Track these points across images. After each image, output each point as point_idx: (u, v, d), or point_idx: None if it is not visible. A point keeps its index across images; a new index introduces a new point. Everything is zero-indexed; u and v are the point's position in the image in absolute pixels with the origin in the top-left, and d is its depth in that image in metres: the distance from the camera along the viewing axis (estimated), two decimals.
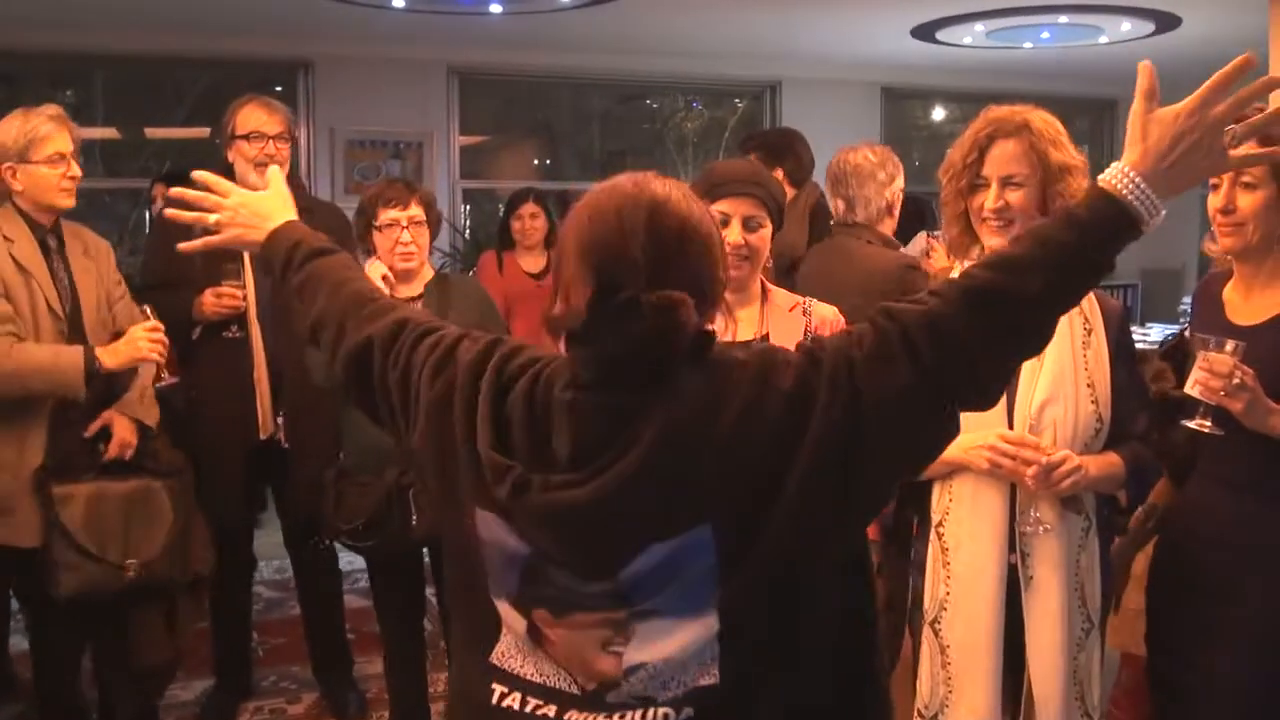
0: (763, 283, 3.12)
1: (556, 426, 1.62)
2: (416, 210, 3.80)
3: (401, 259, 3.79)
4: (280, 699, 4.73)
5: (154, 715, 4.16)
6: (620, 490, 1.56)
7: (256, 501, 4.31)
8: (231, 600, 4.44)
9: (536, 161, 10.27)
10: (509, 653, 1.71)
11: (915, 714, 2.84)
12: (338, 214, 4.48)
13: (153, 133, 8.82)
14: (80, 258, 3.73)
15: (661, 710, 1.62)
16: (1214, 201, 2.71)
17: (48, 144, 3.57)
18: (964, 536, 2.75)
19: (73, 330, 3.62)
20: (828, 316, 3.03)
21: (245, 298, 4.13)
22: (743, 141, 5.76)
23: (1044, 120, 2.72)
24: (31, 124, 3.58)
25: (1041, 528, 2.69)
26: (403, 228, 3.78)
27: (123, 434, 3.66)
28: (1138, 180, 1.63)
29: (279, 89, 8.37)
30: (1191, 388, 2.62)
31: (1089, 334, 2.74)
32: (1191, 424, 2.65)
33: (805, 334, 2.99)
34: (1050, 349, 2.66)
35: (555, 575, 1.63)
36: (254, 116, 4.20)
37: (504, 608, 1.69)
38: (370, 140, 8.21)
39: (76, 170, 3.64)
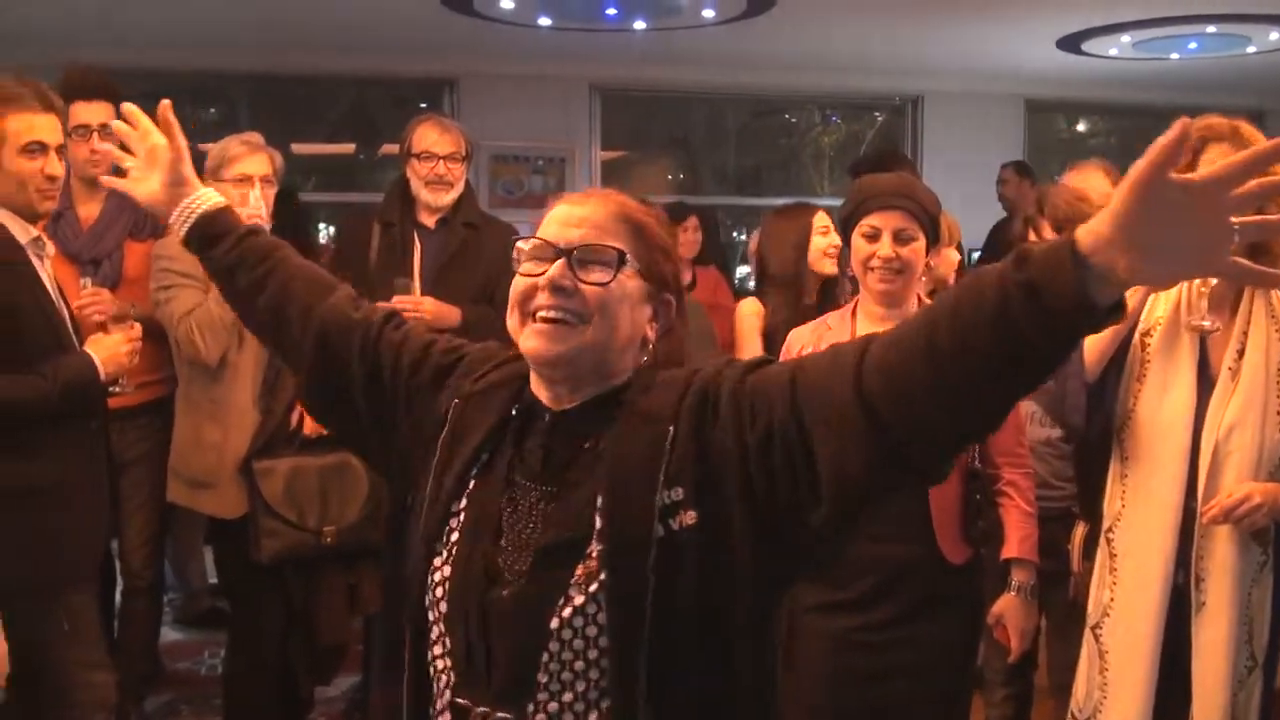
0: (919, 298, 3.12)
1: None
2: None
3: None
4: None
5: (308, 708, 4.33)
6: None
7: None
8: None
9: (671, 176, 10.32)
10: None
11: (1069, 715, 2.83)
12: (510, 232, 4.57)
13: (298, 149, 9.05)
14: None
15: None
16: None
17: (235, 164, 3.86)
18: (1133, 545, 2.73)
19: None
20: None
21: (427, 310, 4.27)
22: (852, 167, 5.77)
23: (1250, 129, 2.74)
24: (227, 146, 3.90)
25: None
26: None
27: None
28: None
29: (424, 105, 8.53)
30: None
31: None
32: None
33: None
34: (1245, 372, 2.64)
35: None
36: (427, 136, 4.36)
37: None
38: (513, 155, 8.33)
39: (252, 192, 3.85)
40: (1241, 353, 2.69)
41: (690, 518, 1.58)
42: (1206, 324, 2.67)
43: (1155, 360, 2.77)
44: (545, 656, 1.60)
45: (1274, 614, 2.72)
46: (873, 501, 1.57)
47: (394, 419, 1.88)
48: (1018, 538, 2.97)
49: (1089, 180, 4.35)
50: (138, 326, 3.45)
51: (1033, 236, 3.44)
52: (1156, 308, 2.81)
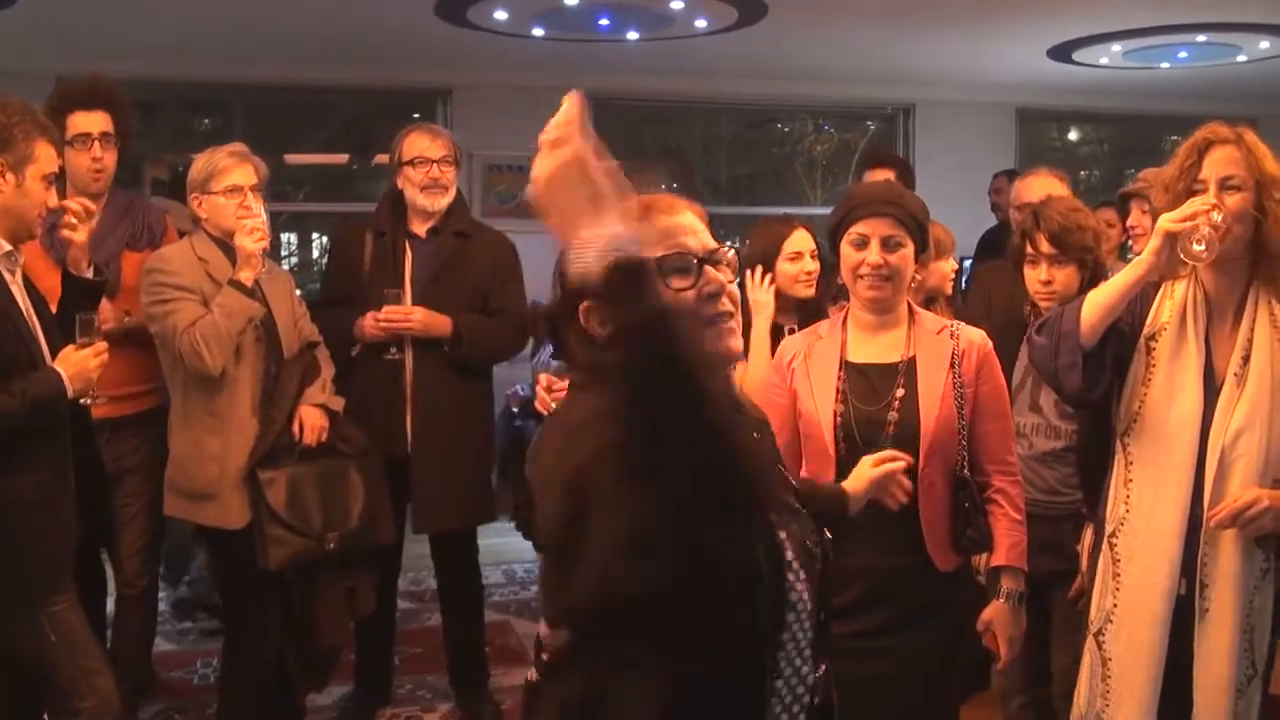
0: (909, 305, 3.12)
1: None
2: None
3: None
4: (415, 707, 4.85)
5: (301, 715, 4.35)
6: None
7: (402, 514, 4.46)
8: (381, 608, 4.58)
9: (664, 186, 10.33)
10: None
11: None
12: (501, 240, 4.61)
13: (292, 159, 9.07)
14: (266, 279, 3.99)
15: None
16: None
17: (225, 176, 3.90)
18: (1138, 549, 2.74)
19: (269, 338, 3.96)
20: (975, 340, 3.03)
21: (416, 320, 4.33)
22: (865, 157, 5.72)
23: (1254, 136, 2.76)
24: (214, 158, 3.93)
25: None
26: None
27: (312, 421, 4.01)
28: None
29: (417, 116, 8.55)
30: None
31: None
32: None
33: (953, 357, 3.00)
34: (1251, 377, 2.66)
35: None
36: (418, 143, 4.41)
37: None
38: (507, 165, 8.34)
39: (251, 202, 3.90)
40: (1247, 358, 2.71)
41: None
42: (1200, 248, 2.65)
43: (1161, 364, 2.78)
44: None
45: (1274, 621, 2.73)
46: None
47: None
48: (1006, 545, 2.97)
49: (1044, 186, 4.40)
50: (104, 343, 3.43)
51: (1029, 250, 3.47)
52: (1162, 312, 2.82)
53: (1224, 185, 2.69)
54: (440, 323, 4.34)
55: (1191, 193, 2.71)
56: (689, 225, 1.78)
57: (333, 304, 4.55)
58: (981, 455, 3.03)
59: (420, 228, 4.47)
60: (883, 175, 5.11)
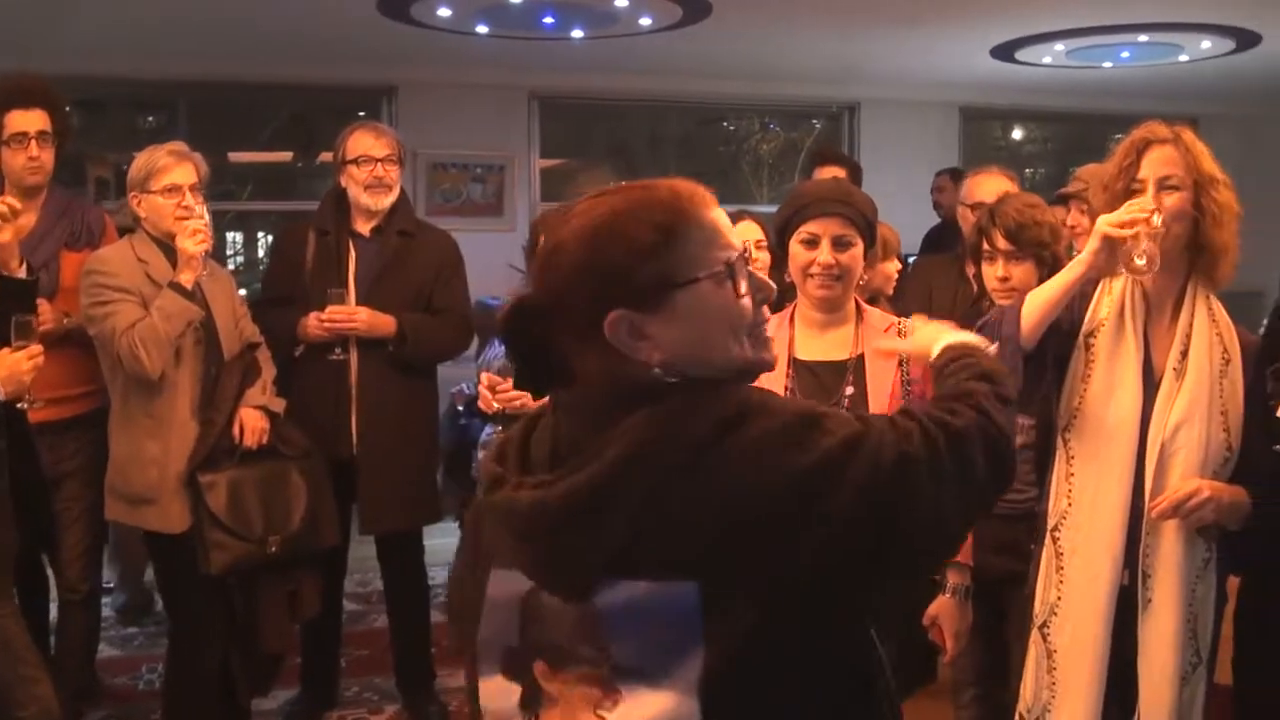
0: (857, 302, 3.13)
1: (540, 429, 1.62)
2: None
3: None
4: (362, 709, 4.83)
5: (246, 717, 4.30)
6: (580, 500, 1.47)
7: (347, 515, 4.43)
8: (327, 610, 4.55)
9: (612, 184, 10.30)
10: None
11: (1017, 716, 2.86)
12: (445, 238, 4.60)
13: (235, 157, 8.99)
14: (206, 279, 3.95)
15: None
16: None
17: (164, 175, 3.86)
18: (1080, 542, 2.76)
19: (209, 340, 3.93)
20: None
21: (360, 320, 4.31)
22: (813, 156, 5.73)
23: (1191, 135, 2.78)
24: (153, 157, 3.89)
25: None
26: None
27: (253, 423, 3.97)
28: None
29: (361, 114, 8.50)
30: None
31: (1226, 363, 2.74)
32: None
33: (901, 354, 3.01)
34: (1190, 372, 2.68)
35: (548, 610, 1.54)
36: (362, 141, 4.39)
37: (493, 685, 1.62)
38: (452, 164, 8.30)
39: (190, 201, 3.86)
40: (1185, 353, 2.73)
41: None
42: (1141, 263, 2.67)
43: (1100, 361, 2.80)
44: None
45: (1217, 611, 2.76)
46: None
47: None
48: None
49: (994, 184, 4.44)
50: (38, 345, 3.38)
51: (986, 246, 3.47)
52: (1100, 308, 2.84)
53: (1162, 185, 2.71)
54: (384, 322, 4.32)
55: (1130, 192, 2.73)
56: (728, 223, 1.62)
57: (274, 304, 4.52)
58: None
59: (364, 226, 4.45)
60: (831, 173, 5.13)
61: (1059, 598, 2.79)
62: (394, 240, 4.43)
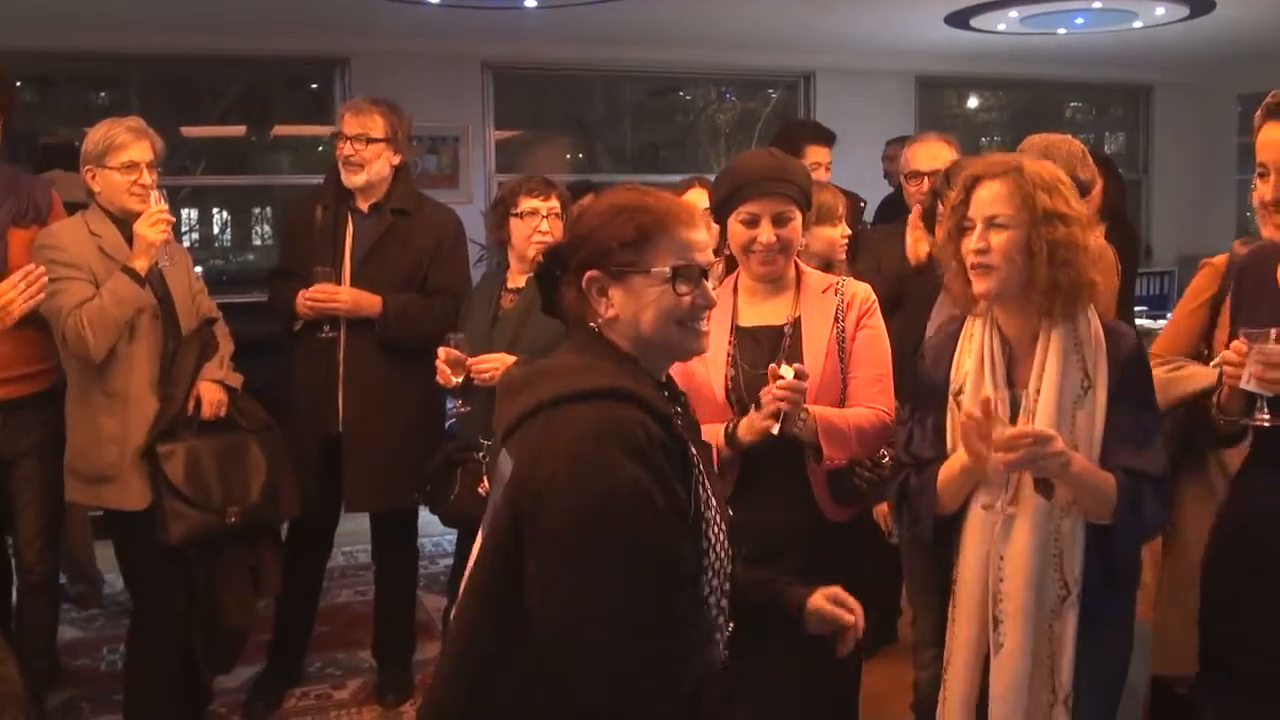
0: (797, 266, 3.18)
1: None
2: (555, 203, 4.12)
3: (537, 247, 3.96)
4: (326, 684, 4.82)
5: (208, 699, 4.32)
6: (513, 378, 2.16)
7: (333, 490, 4.42)
8: (302, 585, 4.59)
9: (569, 155, 10.30)
10: None
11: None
12: (446, 216, 4.59)
13: (189, 131, 8.90)
14: (163, 255, 3.92)
15: None
16: (1265, 192, 2.61)
17: (122, 152, 3.83)
18: (962, 597, 2.79)
19: (166, 316, 3.91)
20: (858, 292, 3.14)
21: (342, 300, 4.30)
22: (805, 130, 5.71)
23: (1042, 167, 2.69)
24: (111, 132, 3.86)
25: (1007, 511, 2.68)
26: (542, 217, 4.08)
27: (211, 396, 3.96)
28: None
29: (315, 86, 8.43)
30: (1247, 382, 2.54)
31: (1086, 391, 2.66)
32: (1253, 421, 2.59)
33: (837, 311, 3.11)
34: (1042, 403, 2.65)
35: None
36: (343, 118, 4.45)
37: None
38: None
39: (148, 178, 3.85)
40: (1040, 390, 2.68)
41: None
42: (997, 506, 2.68)
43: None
44: None
45: (1076, 651, 2.68)
46: None
47: None
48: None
49: (934, 151, 4.52)
50: None
51: (941, 208, 3.44)
52: (964, 362, 2.80)
53: (990, 224, 2.63)
54: (370, 302, 4.30)
55: (961, 230, 2.70)
56: (702, 242, 2.12)
57: (279, 276, 4.55)
58: (851, 400, 3.12)
59: (363, 203, 4.43)
60: (824, 154, 5.17)
61: (953, 634, 2.83)
62: (388, 219, 4.40)
